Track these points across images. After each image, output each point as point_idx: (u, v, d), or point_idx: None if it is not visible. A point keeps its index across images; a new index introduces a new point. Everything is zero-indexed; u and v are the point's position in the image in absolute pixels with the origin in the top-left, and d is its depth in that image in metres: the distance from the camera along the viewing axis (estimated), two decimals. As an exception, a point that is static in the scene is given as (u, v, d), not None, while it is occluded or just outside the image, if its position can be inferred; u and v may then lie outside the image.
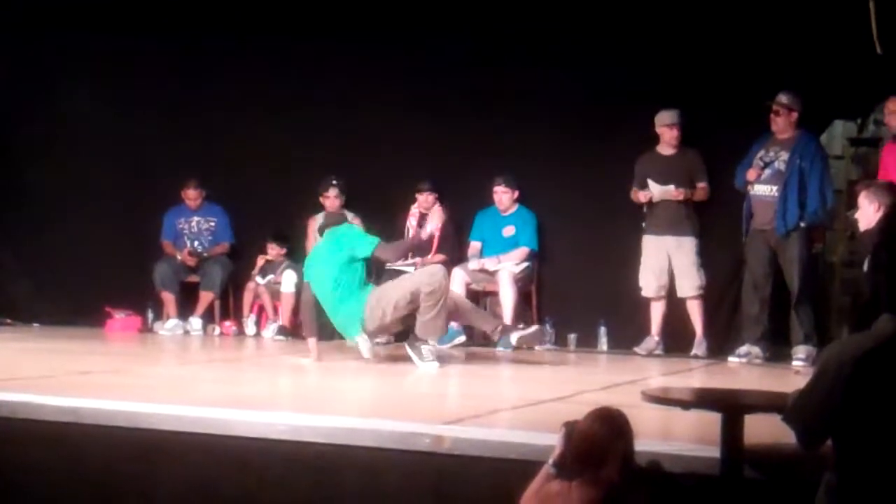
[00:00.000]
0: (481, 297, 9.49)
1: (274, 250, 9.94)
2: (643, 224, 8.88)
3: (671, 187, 8.71)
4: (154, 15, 9.96)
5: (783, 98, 8.31)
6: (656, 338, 8.81)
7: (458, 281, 9.16)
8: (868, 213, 6.86)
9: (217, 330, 9.97)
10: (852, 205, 7.22)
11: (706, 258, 8.80)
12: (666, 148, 8.87)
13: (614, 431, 3.66)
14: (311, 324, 7.79)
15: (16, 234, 10.46)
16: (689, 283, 8.73)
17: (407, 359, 7.50)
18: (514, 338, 8.18)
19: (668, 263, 8.79)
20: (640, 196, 8.84)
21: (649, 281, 8.81)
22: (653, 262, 8.81)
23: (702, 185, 8.81)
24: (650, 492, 3.71)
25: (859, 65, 7.77)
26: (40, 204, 10.39)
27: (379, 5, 9.50)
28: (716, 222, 8.86)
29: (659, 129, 8.84)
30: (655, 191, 8.76)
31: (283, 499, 4.56)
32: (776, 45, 8.39)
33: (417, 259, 9.43)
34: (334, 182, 9.70)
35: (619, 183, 8.98)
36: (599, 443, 3.62)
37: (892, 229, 2.82)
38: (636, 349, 8.78)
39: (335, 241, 7.71)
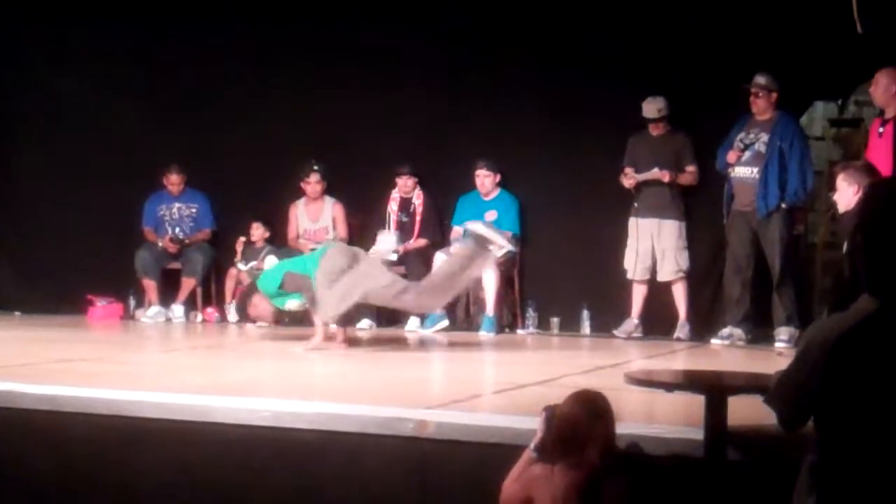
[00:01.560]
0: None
1: (259, 230, 9.89)
2: (635, 204, 8.87)
3: (655, 170, 8.70)
4: (135, 1, 9.92)
5: (761, 79, 8.31)
6: (636, 320, 8.82)
7: (441, 265, 9.15)
8: (847, 195, 6.86)
9: (199, 317, 9.94)
10: (833, 186, 7.23)
11: (688, 241, 8.81)
12: (655, 130, 8.86)
13: (595, 414, 3.64)
14: None
15: (-4, 221, 10.42)
16: (669, 267, 8.74)
17: (388, 344, 7.51)
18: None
19: (652, 246, 8.80)
20: (624, 182, 8.84)
21: (634, 264, 8.81)
22: (637, 245, 8.81)
23: (690, 168, 8.79)
24: (632, 474, 3.70)
25: (840, 45, 7.77)
26: (21, 192, 10.36)
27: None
28: (697, 205, 8.87)
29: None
30: (638, 177, 8.76)
31: (266, 485, 4.55)
32: (756, 26, 8.39)
33: (399, 246, 9.42)
34: (315, 167, 9.68)
35: (600, 166, 8.97)
36: (580, 426, 3.60)
37: (867, 211, 2.82)
38: (615, 332, 8.79)
39: None
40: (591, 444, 3.58)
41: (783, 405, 2.82)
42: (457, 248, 7.77)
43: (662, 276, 8.76)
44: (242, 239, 9.93)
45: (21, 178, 10.37)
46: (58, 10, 10.03)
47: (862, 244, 2.75)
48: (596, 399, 3.69)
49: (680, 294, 8.75)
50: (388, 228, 9.61)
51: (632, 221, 8.84)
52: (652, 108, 8.76)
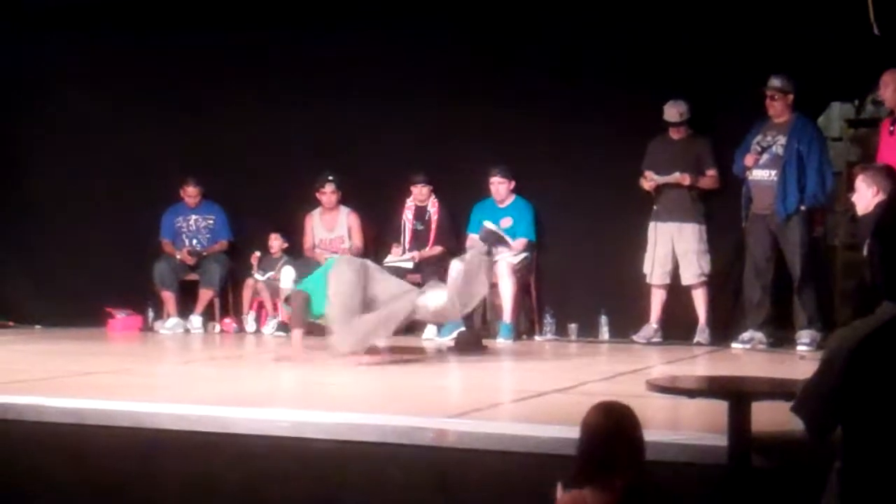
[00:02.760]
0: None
1: (277, 241, 9.92)
2: (654, 208, 8.83)
3: (676, 174, 8.67)
4: (149, 13, 9.94)
5: (776, 82, 8.28)
6: (654, 325, 8.78)
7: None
8: (866, 197, 6.84)
9: (217, 328, 9.96)
10: (852, 187, 7.20)
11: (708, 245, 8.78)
12: (676, 133, 8.84)
13: (623, 428, 3.38)
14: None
15: (16, 235, 10.46)
16: (691, 271, 8.70)
17: (408, 353, 7.49)
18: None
19: (672, 250, 8.76)
20: (644, 184, 8.81)
21: (654, 268, 8.78)
22: (657, 250, 8.78)
23: (711, 172, 8.76)
24: (665, 490, 3.54)
25: (856, 46, 7.74)
26: (39, 205, 10.39)
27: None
28: (716, 208, 8.83)
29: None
30: (659, 179, 8.73)
31: (286, 496, 4.54)
32: (773, 28, 8.37)
33: (415, 253, 9.41)
34: (330, 178, 9.69)
35: (616, 171, 8.95)
36: (608, 441, 3.34)
37: (886, 217, 2.81)
38: (634, 337, 8.75)
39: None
40: (621, 459, 3.31)
41: (810, 413, 2.80)
42: (467, 258, 7.84)
43: (685, 280, 8.73)
44: (257, 253, 9.95)
45: (38, 193, 10.41)
46: (71, 24, 10.07)
47: (880, 251, 2.74)
48: (622, 412, 3.42)
49: (700, 298, 8.71)
50: (404, 237, 9.61)
51: (651, 225, 8.81)
52: (674, 111, 8.73)
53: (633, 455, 3.35)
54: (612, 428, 3.35)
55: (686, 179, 8.66)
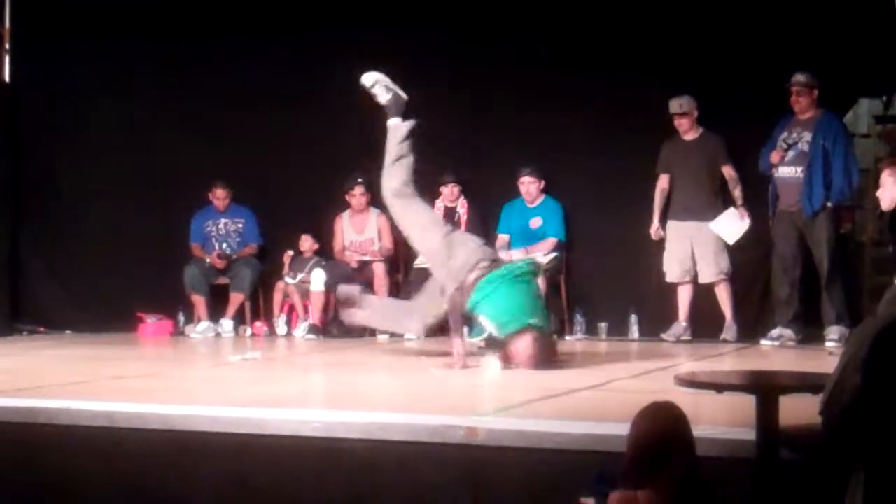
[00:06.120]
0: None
1: (308, 242, 9.96)
2: (672, 206, 8.82)
3: (747, 223, 8.61)
4: (177, 17, 10.02)
5: (801, 78, 8.27)
6: (684, 323, 8.79)
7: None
8: (892, 192, 6.80)
9: (248, 331, 10.01)
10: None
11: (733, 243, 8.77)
12: (687, 134, 8.83)
13: (673, 427, 3.32)
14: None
15: (46, 241, 10.55)
16: (710, 269, 8.71)
17: (436, 352, 7.51)
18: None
19: (691, 248, 8.77)
20: (652, 234, 8.82)
21: (672, 266, 8.80)
22: (676, 248, 8.80)
23: (727, 168, 8.75)
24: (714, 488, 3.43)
25: (883, 42, 7.72)
26: (69, 210, 10.47)
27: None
28: (743, 206, 8.81)
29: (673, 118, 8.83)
30: (730, 230, 8.67)
31: (318, 496, 4.57)
32: (798, 24, 8.36)
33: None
34: (360, 180, 9.72)
35: (645, 170, 8.96)
36: (659, 441, 3.28)
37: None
38: (663, 335, 8.76)
39: None
40: (672, 461, 3.25)
41: (831, 419, 2.79)
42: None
43: (703, 279, 8.74)
44: (290, 253, 10.00)
45: (68, 198, 10.49)
46: (100, 30, 10.16)
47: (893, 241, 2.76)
48: (672, 411, 3.35)
49: (724, 296, 8.71)
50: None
51: (670, 224, 8.83)
52: (674, 104, 8.75)
53: (684, 455, 3.29)
54: (662, 428, 3.29)
55: (745, 216, 8.62)
